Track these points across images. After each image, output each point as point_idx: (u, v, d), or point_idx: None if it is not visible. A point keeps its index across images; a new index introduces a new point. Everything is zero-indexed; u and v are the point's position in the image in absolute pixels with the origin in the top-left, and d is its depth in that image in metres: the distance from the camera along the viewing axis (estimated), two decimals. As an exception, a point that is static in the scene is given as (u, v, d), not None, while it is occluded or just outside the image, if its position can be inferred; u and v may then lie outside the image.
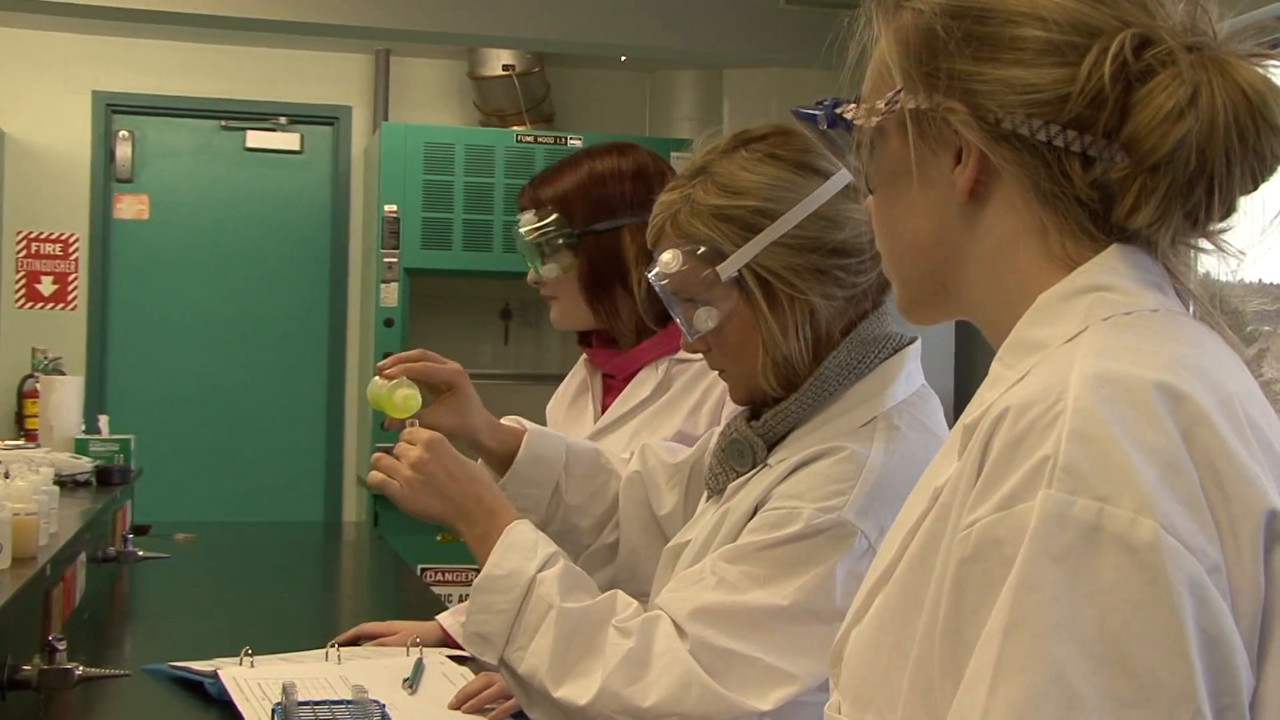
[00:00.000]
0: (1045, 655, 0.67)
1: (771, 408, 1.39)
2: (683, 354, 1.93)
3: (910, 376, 1.38)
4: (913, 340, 1.41)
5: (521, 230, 1.96)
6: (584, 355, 2.07)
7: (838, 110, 0.92)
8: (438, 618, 2.16)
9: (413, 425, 1.55)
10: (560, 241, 1.94)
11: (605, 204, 1.94)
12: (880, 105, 0.88)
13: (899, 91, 0.87)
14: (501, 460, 1.68)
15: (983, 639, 0.70)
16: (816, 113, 0.94)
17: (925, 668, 0.76)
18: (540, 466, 1.66)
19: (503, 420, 1.71)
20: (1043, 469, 0.70)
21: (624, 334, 1.98)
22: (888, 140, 0.89)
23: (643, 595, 1.51)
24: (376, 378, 1.62)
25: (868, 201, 0.95)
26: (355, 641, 2.14)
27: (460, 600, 2.18)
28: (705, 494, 1.48)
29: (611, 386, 2.02)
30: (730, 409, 1.86)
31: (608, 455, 1.71)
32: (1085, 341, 0.78)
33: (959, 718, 0.70)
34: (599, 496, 1.68)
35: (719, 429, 1.50)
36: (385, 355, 1.70)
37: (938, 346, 1.29)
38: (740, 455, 1.40)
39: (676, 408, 1.91)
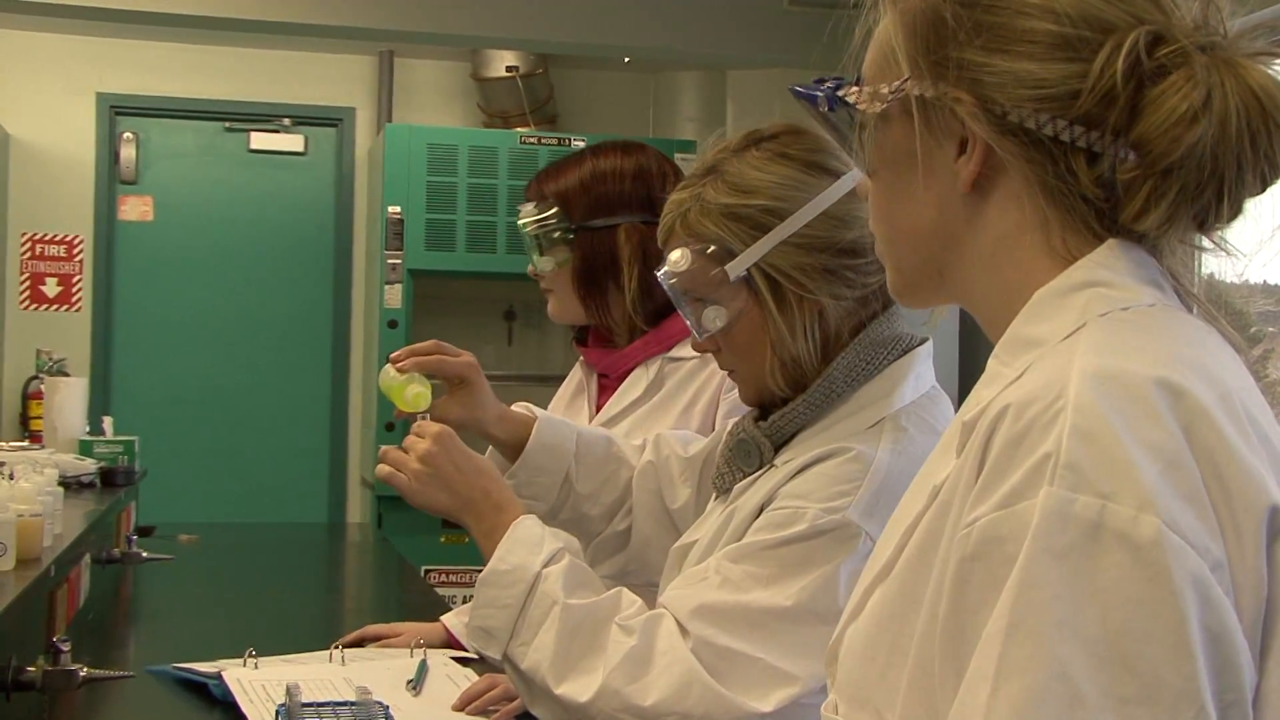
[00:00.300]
0: (1048, 654, 0.67)
1: (780, 408, 1.38)
2: (675, 352, 1.94)
3: (920, 378, 1.38)
4: (923, 341, 1.40)
5: (520, 221, 1.99)
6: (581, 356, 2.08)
7: (839, 93, 0.91)
8: (442, 618, 2.16)
9: (422, 418, 1.55)
10: (556, 235, 1.96)
11: (603, 201, 1.96)
12: (884, 90, 0.87)
13: (906, 80, 0.85)
14: (512, 449, 1.67)
15: (984, 638, 0.70)
16: (817, 94, 0.93)
17: (925, 667, 0.75)
18: (550, 454, 1.65)
19: (514, 406, 1.71)
20: (1044, 466, 0.70)
21: (617, 331, 1.99)
22: (891, 126, 0.88)
23: (653, 586, 1.51)
24: (389, 367, 1.62)
25: (862, 182, 0.94)
26: (360, 643, 2.14)
27: (464, 601, 2.18)
28: (713, 494, 1.47)
29: (606, 386, 2.03)
30: (725, 408, 1.86)
31: (619, 443, 1.70)
32: (1084, 338, 0.77)
33: (961, 717, 0.70)
34: (610, 484, 1.68)
35: (732, 421, 1.49)
36: (389, 356, 1.69)
37: (942, 345, 1.29)
38: (747, 455, 1.40)
39: (669, 408, 1.92)
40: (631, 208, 1.96)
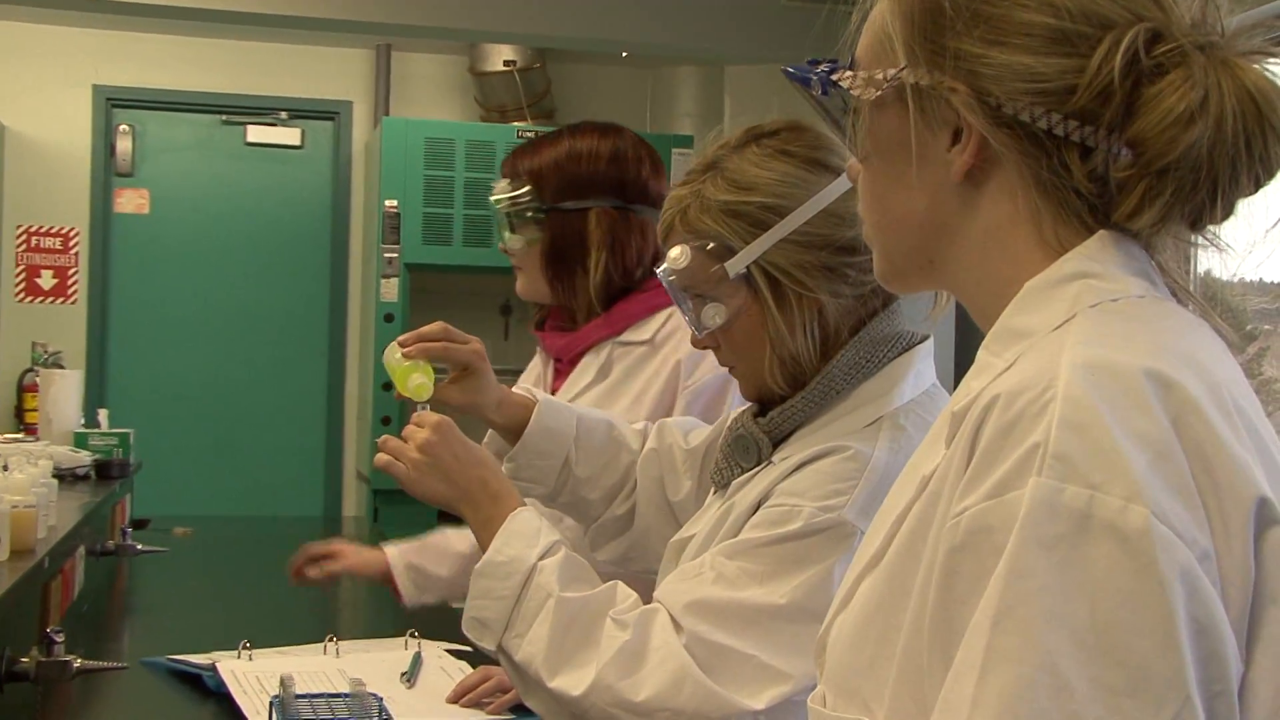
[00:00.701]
0: (1035, 644, 0.67)
1: (779, 405, 1.38)
2: (625, 337, 1.94)
3: (920, 376, 1.37)
4: (924, 339, 1.39)
5: (493, 198, 1.98)
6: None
7: (833, 77, 0.90)
8: (384, 546, 2.14)
9: (423, 407, 1.54)
10: (528, 215, 1.96)
11: (576, 183, 1.96)
12: (879, 77, 0.86)
13: (902, 68, 0.85)
14: (513, 434, 1.67)
15: (972, 628, 0.70)
16: (810, 76, 0.92)
17: (914, 657, 0.75)
18: (550, 438, 1.64)
19: (515, 388, 1.70)
20: (1033, 456, 0.70)
21: (579, 314, 1.99)
22: (885, 112, 0.87)
23: (653, 573, 1.51)
24: (396, 347, 1.60)
25: (852, 165, 0.94)
26: (310, 568, 2.11)
27: (460, 597, 2.17)
28: (712, 489, 1.47)
29: (561, 371, 2.03)
30: (686, 399, 1.86)
31: (620, 426, 1.69)
32: (1074, 329, 0.77)
33: (948, 707, 0.70)
34: (610, 469, 1.66)
35: (734, 413, 1.49)
36: (398, 339, 1.66)
37: (938, 342, 1.28)
38: (745, 451, 1.39)
39: (618, 394, 1.91)
40: (604, 191, 1.96)
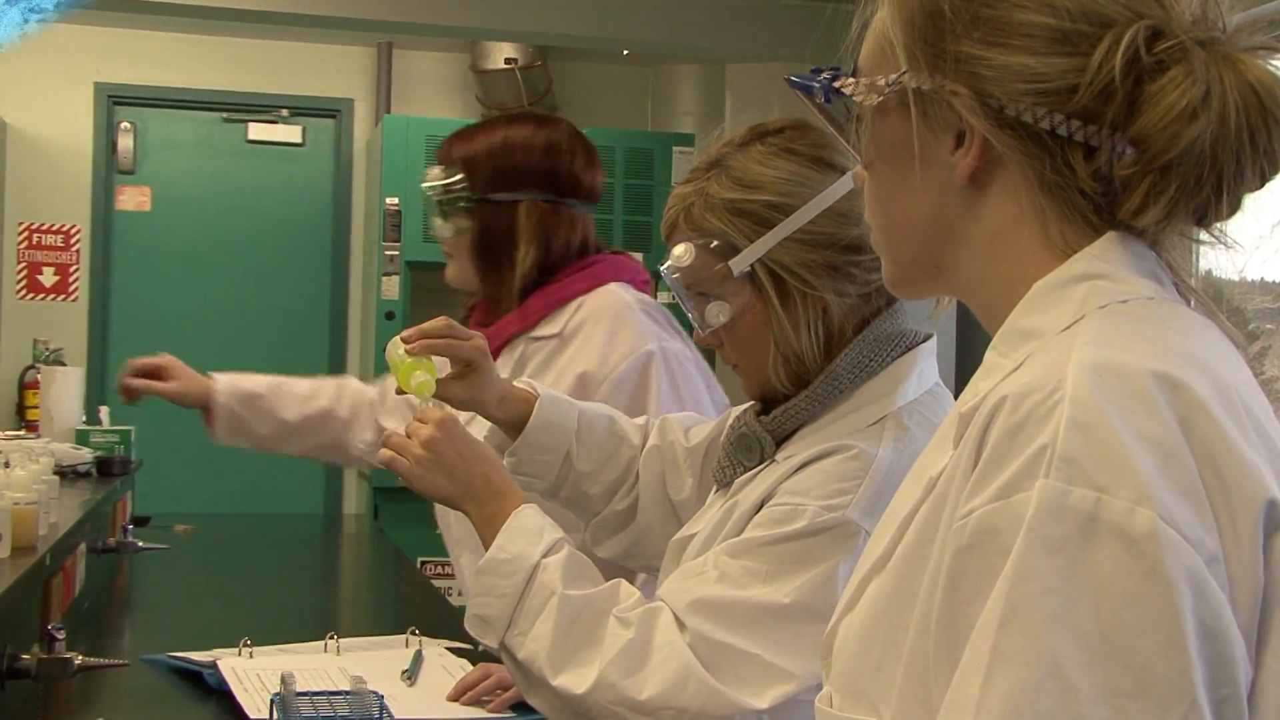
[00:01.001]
0: (1041, 647, 0.67)
1: (782, 404, 1.38)
2: (537, 331, 1.94)
3: (923, 375, 1.37)
4: (927, 338, 1.39)
5: (424, 184, 1.97)
6: None
7: (835, 84, 0.90)
8: (214, 378, 2.15)
9: (426, 403, 1.54)
10: (460, 204, 1.95)
11: (508, 174, 1.95)
12: (881, 82, 0.86)
13: (904, 73, 0.85)
14: (515, 428, 1.66)
15: (978, 630, 0.69)
16: (813, 84, 0.92)
17: (920, 659, 0.75)
18: (551, 433, 1.63)
19: (517, 382, 1.70)
20: (1040, 458, 0.70)
21: (503, 306, 1.99)
22: (888, 118, 0.87)
23: (654, 570, 1.50)
24: (399, 342, 1.60)
25: (857, 171, 0.94)
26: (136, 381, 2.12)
27: (459, 595, 2.17)
28: (713, 487, 1.47)
29: None
30: (604, 392, 1.86)
31: (621, 421, 1.69)
32: (1083, 330, 0.77)
33: (954, 709, 0.70)
34: (611, 464, 1.65)
35: (736, 410, 1.49)
36: (401, 335, 1.66)
37: (939, 341, 1.29)
38: (748, 450, 1.39)
39: None
40: (536, 184, 1.95)
